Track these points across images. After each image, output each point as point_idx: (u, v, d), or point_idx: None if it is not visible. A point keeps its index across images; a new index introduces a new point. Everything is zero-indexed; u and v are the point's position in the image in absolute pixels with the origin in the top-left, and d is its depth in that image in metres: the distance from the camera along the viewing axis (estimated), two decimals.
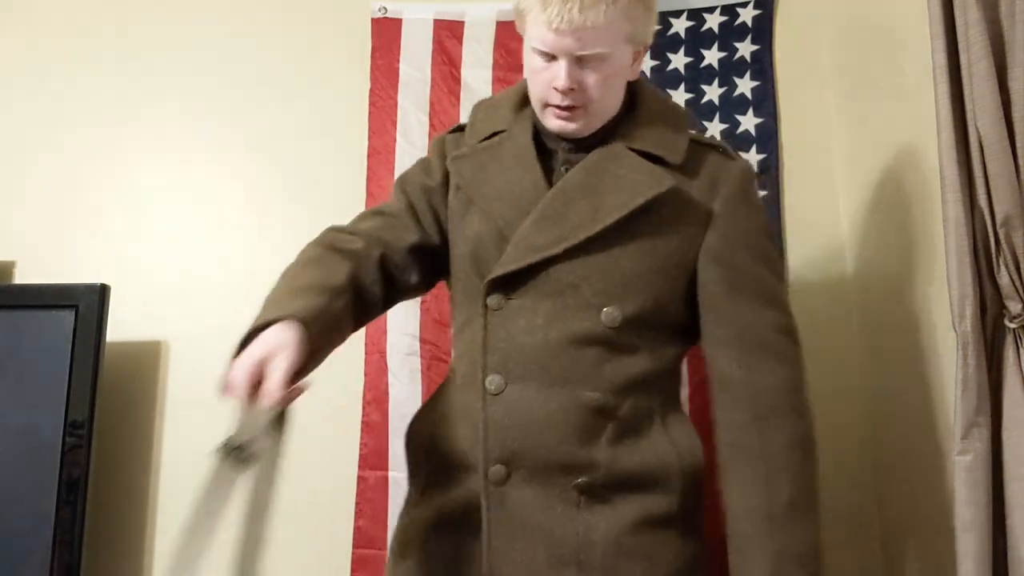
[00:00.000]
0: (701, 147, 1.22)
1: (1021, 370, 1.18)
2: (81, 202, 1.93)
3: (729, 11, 1.97)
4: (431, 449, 1.19)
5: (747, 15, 1.96)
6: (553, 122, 1.17)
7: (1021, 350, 1.18)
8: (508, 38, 1.96)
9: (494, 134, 1.25)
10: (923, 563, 1.56)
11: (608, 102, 1.18)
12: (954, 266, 1.22)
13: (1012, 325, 1.19)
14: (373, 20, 2.00)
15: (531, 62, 1.15)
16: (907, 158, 1.59)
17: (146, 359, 1.85)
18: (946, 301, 1.24)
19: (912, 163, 1.56)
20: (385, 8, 2.00)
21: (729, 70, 1.94)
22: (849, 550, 1.73)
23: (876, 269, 1.75)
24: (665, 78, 1.95)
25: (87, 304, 1.67)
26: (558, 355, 1.10)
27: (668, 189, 1.14)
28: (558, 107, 1.14)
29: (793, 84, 1.94)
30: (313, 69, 2.00)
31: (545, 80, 1.13)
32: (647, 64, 1.95)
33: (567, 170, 1.18)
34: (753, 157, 1.88)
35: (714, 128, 1.91)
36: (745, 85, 1.93)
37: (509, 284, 1.13)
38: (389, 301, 1.25)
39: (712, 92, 1.93)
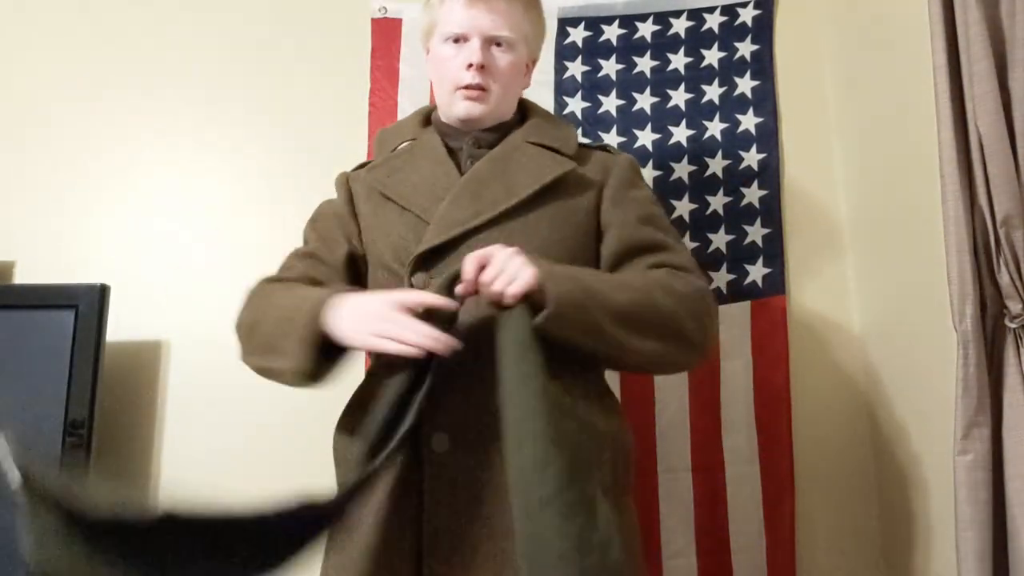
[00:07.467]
0: (589, 148, 1.37)
1: (1021, 370, 1.18)
2: (81, 202, 1.93)
3: (729, 11, 1.97)
4: (366, 424, 1.14)
5: (747, 15, 1.96)
6: (462, 105, 1.28)
7: (1021, 350, 1.19)
8: None
9: (403, 143, 1.34)
10: (923, 563, 1.57)
11: (510, 92, 1.32)
12: (954, 266, 1.22)
13: (1012, 325, 1.19)
14: (373, 20, 2.00)
15: (442, 54, 1.29)
16: (907, 158, 1.59)
17: (146, 359, 1.84)
18: (946, 301, 1.25)
19: (912, 163, 1.56)
20: (385, 8, 2.00)
21: (729, 70, 1.94)
22: (850, 549, 1.74)
23: (876, 269, 1.76)
24: (665, 78, 1.94)
25: (87, 304, 1.66)
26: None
27: (570, 169, 1.27)
28: (468, 87, 1.26)
29: (793, 84, 1.93)
30: (313, 70, 2.00)
31: (457, 64, 1.27)
32: (647, 64, 1.95)
33: (473, 163, 1.27)
34: (753, 157, 1.88)
35: (714, 128, 1.91)
36: (745, 85, 1.93)
37: (432, 262, 1.18)
38: None
39: (712, 92, 1.93)
